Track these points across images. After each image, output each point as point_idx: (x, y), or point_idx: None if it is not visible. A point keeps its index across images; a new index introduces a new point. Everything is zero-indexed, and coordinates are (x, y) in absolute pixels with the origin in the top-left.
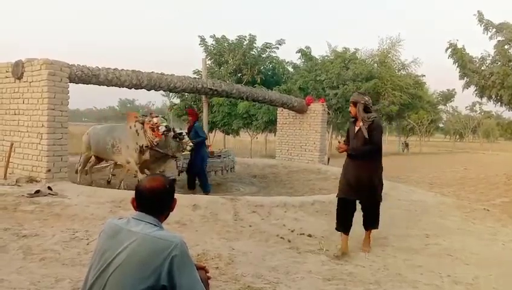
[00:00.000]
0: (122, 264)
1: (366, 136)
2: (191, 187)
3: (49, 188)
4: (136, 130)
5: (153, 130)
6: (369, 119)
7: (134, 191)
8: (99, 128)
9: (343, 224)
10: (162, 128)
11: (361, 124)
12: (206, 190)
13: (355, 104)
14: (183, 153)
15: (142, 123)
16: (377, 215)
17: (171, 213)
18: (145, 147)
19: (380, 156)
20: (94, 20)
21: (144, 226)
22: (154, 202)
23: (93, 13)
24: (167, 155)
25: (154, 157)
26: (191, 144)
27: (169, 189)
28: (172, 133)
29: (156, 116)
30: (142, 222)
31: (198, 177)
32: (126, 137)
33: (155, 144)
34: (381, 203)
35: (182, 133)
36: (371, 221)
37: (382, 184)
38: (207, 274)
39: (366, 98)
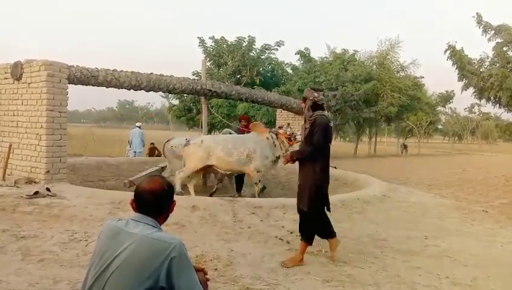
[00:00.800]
0: (121, 266)
1: (304, 137)
2: (238, 190)
3: (48, 189)
4: (273, 142)
5: (289, 139)
6: (311, 117)
7: (133, 193)
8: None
9: (300, 232)
10: (298, 137)
11: (304, 123)
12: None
13: (305, 100)
14: None
15: (276, 134)
16: (305, 227)
17: (170, 214)
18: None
19: (321, 158)
20: (93, 21)
21: (143, 228)
22: (154, 203)
23: (92, 13)
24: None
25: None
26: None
27: (168, 190)
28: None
29: (289, 126)
30: (141, 223)
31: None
32: (263, 147)
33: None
34: (315, 214)
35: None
36: (300, 232)
37: (317, 191)
38: (206, 276)
39: (316, 94)
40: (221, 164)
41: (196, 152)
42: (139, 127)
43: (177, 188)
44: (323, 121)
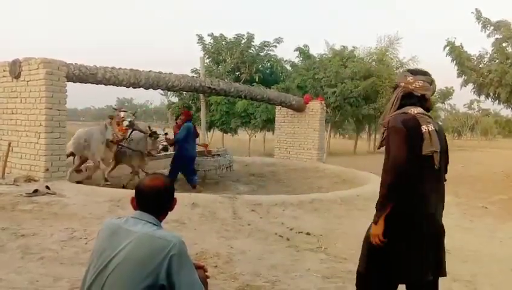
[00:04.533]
0: (121, 264)
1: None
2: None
3: (47, 187)
4: (105, 125)
5: (118, 124)
6: (387, 119)
7: (134, 190)
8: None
9: None
10: (125, 123)
11: None
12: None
13: (395, 88)
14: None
15: (111, 118)
16: None
17: (169, 212)
18: (110, 141)
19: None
20: (92, 20)
21: (143, 226)
22: (154, 201)
23: (91, 13)
24: (141, 152)
25: (125, 154)
26: (164, 143)
27: (169, 188)
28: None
29: (124, 111)
30: (141, 221)
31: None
32: (96, 132)
33: (119, 138)
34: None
35: (155, 132)
36: None
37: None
38: (206, 273)
39: (411, 78)
40: (74, 149)
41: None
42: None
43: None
44: (396, 123)
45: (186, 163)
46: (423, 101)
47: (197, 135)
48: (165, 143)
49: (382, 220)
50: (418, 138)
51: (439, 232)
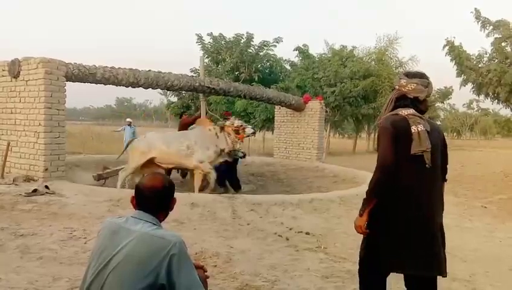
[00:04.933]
0: (120, 263)
1: None
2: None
3: (47, 187)
4: (216, 133)
5: (237, 132)
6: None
7: (134, 190)
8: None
9: None
10: (249, 131)
11: None
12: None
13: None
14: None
15: (222, 127)
16: None
17: (169, 212)
18: (221, 150)
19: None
20: (92, 20)
21: (143, 225)
22: (154, 200)
23: (91, 13)
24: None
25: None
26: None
27: (169, 188)
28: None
29: (238, 120)
30: (141, 220)
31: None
32: (205, 140)
33: (234, 147)
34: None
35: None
36: None
37: (366, 240)
38: (205, 273)
39: (404, 81)
40: (162, 156)
41: (139, 146)
42: (129, 124)
43: (118, 186)
44: (386, 124)
45: (226, 168)
46: (416, 103)
47: None
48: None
49: (366, 213)
50: (408, 138)
51: (434, 230)
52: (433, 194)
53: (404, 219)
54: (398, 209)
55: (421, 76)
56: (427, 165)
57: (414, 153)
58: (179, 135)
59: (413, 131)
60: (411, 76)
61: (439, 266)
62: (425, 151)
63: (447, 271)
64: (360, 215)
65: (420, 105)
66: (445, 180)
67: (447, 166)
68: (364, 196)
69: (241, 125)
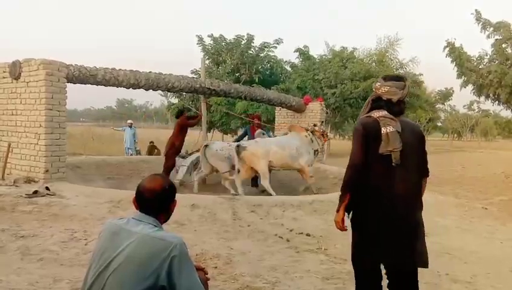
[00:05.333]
0: (121, 265)
1: None
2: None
3: (47, 188)
4: (311, 138)
5: (323, 136)
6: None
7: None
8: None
9: None
10: (328, 135)
11: None
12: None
13: None
14: None
15: (312, 132)
16: None
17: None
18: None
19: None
20: (93, 20)
21: (144, 227)
22: (154, 202)
23: (92, 13)
24: None
25: None
26: None
27: (169, 190)
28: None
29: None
30: (142, 222)
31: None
32: (305, 144)
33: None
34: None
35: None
36: None
37: (353, 237)
38: (206, 275)
39: (378, 84)
40: (277, 158)
41: (257, 150)
42: (130, 126)
43: (240, 191)
44: (357, 126)
45: None
46: (390, 105)
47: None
48: None
49: (342, 209)
50: (378, 139)
51: (408, 225)
52: (406, 191)
53: (374, 216)
54: (369, 207)
55: (397, 79)
56: (393, 164)
57: (382, 152)
58: (286, 139)
59: (382, 132)
60: (387, 79)
61: (417, 260)
62: (392, 151)
63: (449, 272)
64: (337, 211)
65: (394, 107)
66: (427, 176)
67: (427, 162)
68: (340, 193)
69: (324, 130)
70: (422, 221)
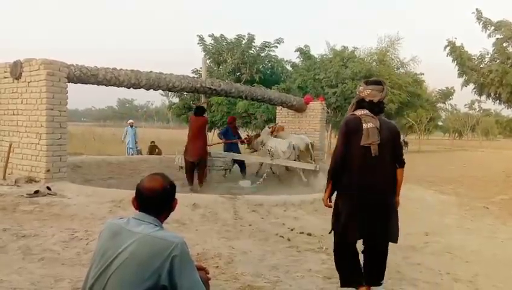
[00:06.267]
0: (122, 265)
1: None
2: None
3: (48, 188)
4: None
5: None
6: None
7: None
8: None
9: None
10: None
11: None
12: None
13: None
14: None
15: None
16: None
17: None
18: None
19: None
20: (93, 20)
21: (145, 227)
22: (155, 202)
23: (92, 13)
24: None
25: None
26: None
27: (170, 189)
28: None
29: None
30: (143, 222)
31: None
32: None
33: None
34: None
35: None
36: None
37: (333, 216)
38: (207, 275)
39: (361, 88)
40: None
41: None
42: (131, 126)
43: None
44: (342, 123)
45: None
46: (372, 105)
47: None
48: None
49: (328, 190)
50: (359, 133)
51: (381, 205)
52: (383, 179)
53: (357, 198)
54: (352, 190)
55: (377, 83)
56: (373, 155)
57: (363, 144)
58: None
59: (364, 127)
60: (369, 83)
61: (390, 236)
62: (371, 144)
63: (450, 272)
64: (325, 191)
65: (375, 107)
66: (402, 166)
67: (402, 155)
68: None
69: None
70: (394, 205)
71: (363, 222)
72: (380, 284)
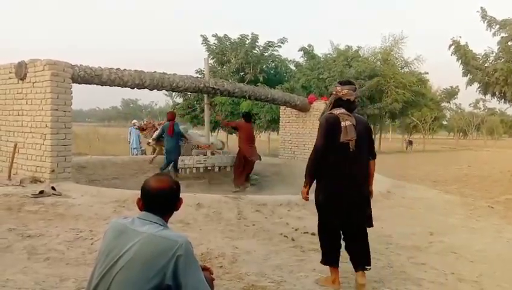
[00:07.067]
0: (127, 264)
1: None
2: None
3: (53, 188)
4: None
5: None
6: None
7: (140, 191)
8: None
9: None
10: None
11: None
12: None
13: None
14: None
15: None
16: None
17: (174, 212)
18: None
19: (324, 164)
20: (96, 21)
21: (149, 226)
22: (160, 202)
23: (94, 13)
24: None
25: None
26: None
27: (176, 189)
28: None
29: None
30: (148, 221)
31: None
32: None
33: None
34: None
35: None
36: None
37: (316, 205)
38: (211, 275)
39: (339, 88)
40: None
41: None
42: (135, 126)
43: None
44: (322, 120)
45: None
46: (348, 103)
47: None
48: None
49: (307, 184)
50: (338, 131)
51: (356, 194)
52: (359, 170)
53: (337, 188)
54: (333, 181)
55: (350, 84)
56: (351, 150)
57: (342, 141)
58: None
59: (342, 125)
60: (343, 84)
61: (366, 221)
62: (350, 140)
63: (453, 272)
64: (304, 186)
65: (351, 105)
66: (374, 158)
67: (374, 148)
68: (305, 171)
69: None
70: (369, 194)
71: (342, 210)
72: (366, 269)
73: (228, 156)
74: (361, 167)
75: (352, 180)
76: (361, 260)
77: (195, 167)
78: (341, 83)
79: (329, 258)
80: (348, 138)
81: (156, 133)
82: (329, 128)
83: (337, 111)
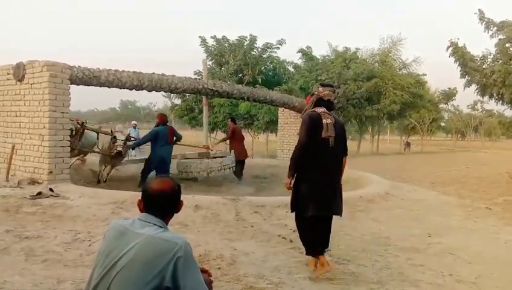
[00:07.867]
0: (127, 265)
1: None
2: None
3: (51, 189)
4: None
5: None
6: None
7: (141, 193)
8: None
9: None
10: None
11: None
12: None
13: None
14: None
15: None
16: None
17: (175, 214)
18: None
19: (307, 158)
20: (95, 21)
21: (149, 228)
22: (162, 204)
23: (94, 13)
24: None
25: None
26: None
27: (177, 191)
28: None
29: None
30: (147, 223)
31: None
32: None
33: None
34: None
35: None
36: None
37: (293, 193)
38: (210, 278)
39: (321, 89)
40: None
41: None
42: (134, 127)
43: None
44: (305, 117)
45: (155, 163)
46: (329, 103)
47: (170, 137)
48: (119, 148)
49: (291, 175)
50: (319, 127)
51: (331, 185)
52: (335, 164)
53: (316, 179)
54: (313, 173)
55: (330, 86)
56: (330, 145)
57: (323, 137)
58: None
59: (324, 123)
60: (324, 86)
61: (336, 209)
62: (330, 137)
63: (452, 273)
64: (288, 177)
65: (331, 105)
66: (346, 154)
67: (347, 146)
68: (289, 164)
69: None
70: (341, 184)
71: (321, 199)
72: (325, 251)
73: (233, 157)
74: (338, 161)
75: (330, 172)
76: (325, 244)
77: (211, 170)
78: (322, 85)
79: (314, 248)
80: (328, 134)
81: (143, 138)
82: (313, 124)
83: (319, 109)
